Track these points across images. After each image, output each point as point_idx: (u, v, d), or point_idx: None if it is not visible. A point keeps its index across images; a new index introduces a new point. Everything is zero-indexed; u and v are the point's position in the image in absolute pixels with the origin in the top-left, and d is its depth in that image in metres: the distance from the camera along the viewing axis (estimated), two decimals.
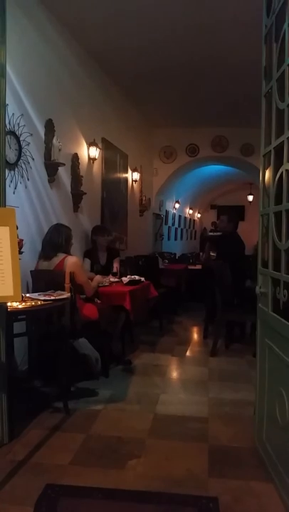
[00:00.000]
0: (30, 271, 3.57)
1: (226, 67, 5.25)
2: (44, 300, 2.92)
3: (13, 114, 3.38)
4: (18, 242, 2.72)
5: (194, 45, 4.74)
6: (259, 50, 2.53)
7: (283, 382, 2.08)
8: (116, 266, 4.85)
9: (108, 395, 3.43)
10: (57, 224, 3.88)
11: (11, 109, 3.32)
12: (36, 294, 3.09)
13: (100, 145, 5.26)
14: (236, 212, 7.26)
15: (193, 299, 7.30)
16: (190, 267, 7.95)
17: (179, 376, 4.16)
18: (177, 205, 10.89)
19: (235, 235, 5.52)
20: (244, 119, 6.78)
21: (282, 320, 2.09)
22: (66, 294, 3.16)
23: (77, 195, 4.70)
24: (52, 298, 2.98)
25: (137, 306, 4.16)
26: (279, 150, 2.14)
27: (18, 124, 3.47)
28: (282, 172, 2.06)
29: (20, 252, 2.81)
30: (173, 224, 10.85)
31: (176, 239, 11.28)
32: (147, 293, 4.69)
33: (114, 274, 4.65)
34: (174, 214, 10.89)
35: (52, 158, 3.97)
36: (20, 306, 2.72)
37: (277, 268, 2.16)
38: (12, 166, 3.39)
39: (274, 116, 2.25)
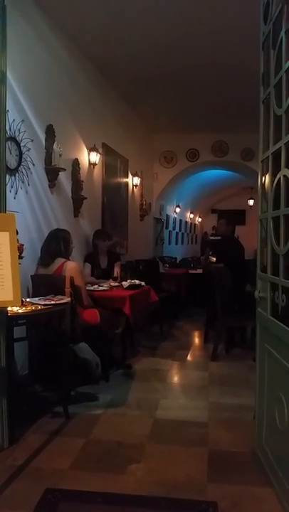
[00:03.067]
0: (31, 275, 3.58)
1: (226, 72, 5.28)
2: (44, 305, 2.93)
3: (13, 120, 3.41)
4: (19, 247, 2.75)
5: (194, 50, 4.78)
6: (257, 56, 2.54)
7: (282, 386, 2.08)
8: (117, 270, 4.85)
9: (108, 399, 3.43)
10: (54, 229, 3.89)
11: (12, 115, 3.35)
12: (36, 298, 3.10)
13: (100, 150, 5.29)
14: (237, 217, 7.27)
15: (193, 304, 7.30)
16: (191, 272, 7.95)
17: (179, 381, 4.16)
18: (178, 210, 10.91)
19: (233, 239, 5.54)
20: (244, 124, 6.79)
21: (281, 325, 2.10)
22: (66, 299, 3.17)
23: (77, 200, 4.72)
24: (52, 302, 3.00)
25: (137, 310, 4.16)
26: (277, 155, 2.16)
27: (19, 129, 3.49)
28: (280, 177, 2.07)
29: (20, 257, 2.84)
30: (174, 228, 10.86)
31: (176, 243, 11.29)
32: (148, 297, 4.70)
33: (115, 279, 4.66)
34: (175, 218, 10.91)
35: (52, 164, 3.99)
36: (20, 311, 2.73)
37: (275, 273, 2.17)
38: (13, 172, 3.41)
39: (272, 122, 2.27)
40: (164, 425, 3.02)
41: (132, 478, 2.35)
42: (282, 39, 2.05)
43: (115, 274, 4.76)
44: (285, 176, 2.01)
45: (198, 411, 3.25)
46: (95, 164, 5.18)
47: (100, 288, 4.28)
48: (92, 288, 4.20)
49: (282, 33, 2.03)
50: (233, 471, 2.41)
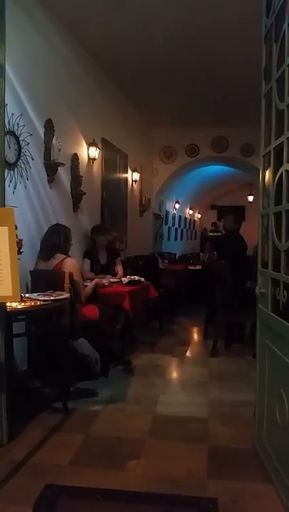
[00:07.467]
0: (30, 271, 3.56)
1: (227, 67, 5.24)
2: (43, 300, 2.91)
3: (12, 113, 3.37)
4: (18, 242, 2.72)
5: (195, 44, 4.73)
6: (259, 50, 2.52)
7: (283, 382, 2.07)
8: (120, 271, 4.81)
9: (108, 395, 3.42)
10: (55, 224, 3.87)
11: (11, 109, 3.31)
12: (36, 294, 3.09)
13: (99, 145, 5.25)
14: (237, 213, 7.24)
15: (193, 300, 7.29)
16: (190, 268, 7.92)
17: (178, 377, 4.16)
18: (177, 206, 10.87)
19: (237, 235, 5.52)
20: (244, 119, 6.75)
21: (282, 321, 2.09)
22: (65, 295, 3.16)
23: (76, 196, 4.69)
24: (51, 298, 2.98)
25: (136, 306, 4.16)
26: (279, 150, 2.14)
27: (18, 123, 3.46)
28: (281, 172, 2.05)
29: (19, 252, 2.82)
30: (173, 224, 10.83)
31: (176, 239, 11.27)
32: (147, 293, 4.69)
33: (114, 275, 4.63)
34: (174, 214, 10.88)
35: (51, 158, 3.96)
36: (19, 306, 2.71)
37: (276, 269, 2.15)
38: (12, 166, 3.39)
39: (274, 117, 2.25)
40: (163, 421, 3.02)
41: (132, 474, 2.34)
42: (285, 32, 2.03)
43: (120, 274, 4.71)
44: (287, 170, 1.99)
45: (197, 407, 3.25)
46: (94, 159, 5.15)
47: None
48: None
49: (285, 26, 2.01)
50: (233, 467, 2.40)
